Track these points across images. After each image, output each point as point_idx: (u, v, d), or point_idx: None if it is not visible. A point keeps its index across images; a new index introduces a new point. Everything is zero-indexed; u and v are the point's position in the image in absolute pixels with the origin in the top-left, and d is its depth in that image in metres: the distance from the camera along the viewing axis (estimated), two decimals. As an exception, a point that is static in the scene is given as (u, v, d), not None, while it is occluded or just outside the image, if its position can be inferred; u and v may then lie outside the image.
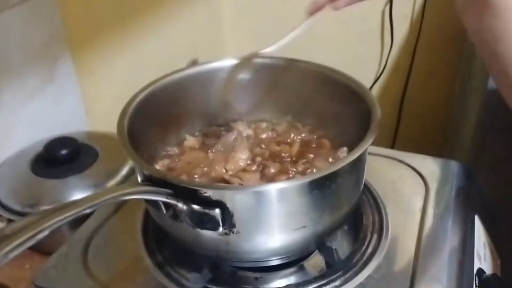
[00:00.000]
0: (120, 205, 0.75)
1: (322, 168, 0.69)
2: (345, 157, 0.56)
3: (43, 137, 0.91)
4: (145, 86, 0.73)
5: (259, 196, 0.55)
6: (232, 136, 0.78)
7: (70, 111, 1.05)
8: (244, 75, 0.74)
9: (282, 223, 0.57)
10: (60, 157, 0.86)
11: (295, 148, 0.74)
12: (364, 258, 0.66)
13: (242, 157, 0.72)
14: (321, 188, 0.56)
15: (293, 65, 0.79)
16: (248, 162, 0.72)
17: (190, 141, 0.77)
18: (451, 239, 0.69)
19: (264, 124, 0.81)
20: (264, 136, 0.78)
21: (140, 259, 0.67)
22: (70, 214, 0.42)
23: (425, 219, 0.72)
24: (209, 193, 0.53)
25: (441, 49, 1.50)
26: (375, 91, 1.60)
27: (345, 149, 0.73)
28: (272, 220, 0.56)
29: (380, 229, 0.70)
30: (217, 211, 0.53)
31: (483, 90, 1.01)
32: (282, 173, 0.68)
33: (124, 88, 1.14)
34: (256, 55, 0.74)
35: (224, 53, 1.68)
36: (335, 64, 0.77)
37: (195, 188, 0.53)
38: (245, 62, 0.75)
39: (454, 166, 0.83)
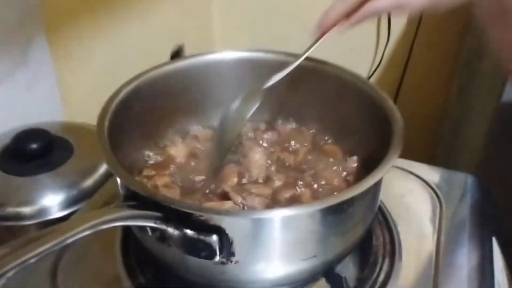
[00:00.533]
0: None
1: (332, 180, 0.62)
2: (366, 179, 0.48)
3: (11, 127, 0.81)
4: (128, 81, 0.64)
5: (264, 223, 0.46)
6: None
7: (44, 98, 0.95)
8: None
9: (289, 252, 0.49)
10: (30, 152, 0.76)
11: (300, 155, 0.66)
12: (376, 287, 0.58)
13: (258, 158, 0.63)
14: (335, 214, 0.48)
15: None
16: (268, 162, 0.64)
17: (173, 149, 0.68)
18: (470, 265, 0.62)
19: (263, 126, 0.72)
20: (266, 138, 0.69)
21: (118, 281, 0.58)
22: (35, 253, 0.33)
23: (441, 241, 0.65)
24: (206, 217, 0.44)
25: (440, 46, 1.43)
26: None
27: (355, 158, 0.65)
28: (278, 249, 0.48)
29: (392, 252, 0.63)
30: (214, 237, 0.45)
31: (495, 102, 0.94)
32: (288, 187, 0.59)
33: (104, 74, 1.05)
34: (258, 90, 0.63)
35: (212, 39, 1.58)
36: (328, 57, 0.69)
37: (190, 211, 0.44)
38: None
39: (467, 179, 0.76)
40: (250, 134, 0.70)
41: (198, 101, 0.70)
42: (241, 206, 0.57)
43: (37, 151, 0.76)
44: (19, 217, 0.71)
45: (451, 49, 1.38)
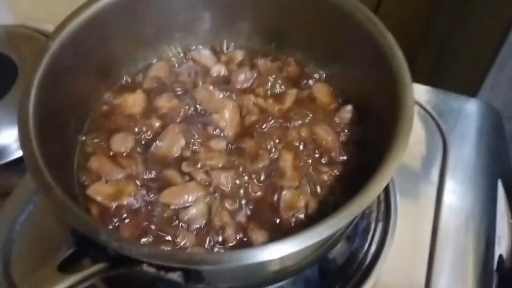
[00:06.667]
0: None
1: (326, 139, 0.52)
2: (363, 195, 0.38)
3: None
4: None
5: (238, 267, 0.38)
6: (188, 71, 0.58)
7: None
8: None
9: (270, 276, 0.41)
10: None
11: (286, 104, 0.55)
12: (367, 261, 0.52)
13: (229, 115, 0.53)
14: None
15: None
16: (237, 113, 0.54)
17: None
18: (471, 209, 0.57)
19: (239, 55, 0.60)
20: (242, 77, 0.57)
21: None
22: None
23: (443, 194, 0.57)
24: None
25: None
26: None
27: (349, 108, 0.54)
28: (256, 275, 0.41)
29: (387, 213, 0.55)
30: (178, 273, 0.37)
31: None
32: (259, 158, 0.50)
33: None
34: None
35: None
36: None
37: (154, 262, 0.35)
38: None
39: (474, 105, 0.66)
40: (223, 71, 0.58)
41: (156, 23, 0.57)
42: (206, 184, 0.48)
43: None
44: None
45: None
